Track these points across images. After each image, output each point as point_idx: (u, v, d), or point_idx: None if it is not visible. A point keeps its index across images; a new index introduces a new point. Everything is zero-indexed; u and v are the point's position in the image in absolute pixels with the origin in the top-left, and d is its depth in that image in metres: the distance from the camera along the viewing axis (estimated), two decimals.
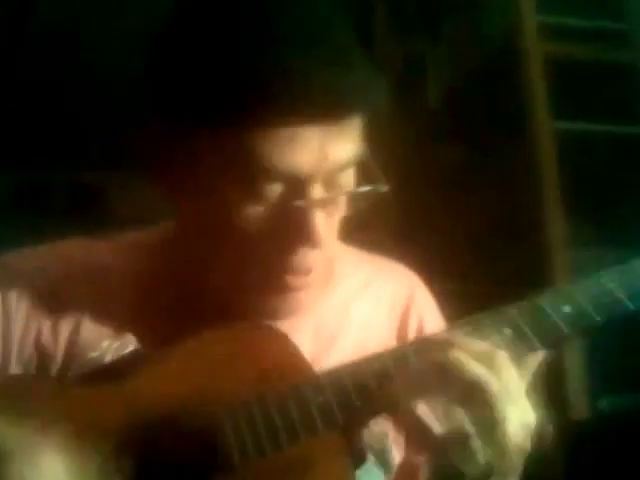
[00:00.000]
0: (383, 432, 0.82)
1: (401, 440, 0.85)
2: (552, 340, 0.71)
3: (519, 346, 0.71)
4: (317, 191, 0.74)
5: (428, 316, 0.90)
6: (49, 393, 0.72)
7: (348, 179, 0.77)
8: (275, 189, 0.74)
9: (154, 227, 0.89)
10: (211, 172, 0.74)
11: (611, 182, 1.55)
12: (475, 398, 0.66)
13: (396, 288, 0.91)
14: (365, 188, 0.78)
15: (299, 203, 0.74)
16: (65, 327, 0.79)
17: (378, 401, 0.70)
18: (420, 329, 0.88)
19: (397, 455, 0.84)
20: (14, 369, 0.77)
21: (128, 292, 0.82)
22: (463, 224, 1.76)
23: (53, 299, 0.79)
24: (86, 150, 2.33)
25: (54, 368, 0.77)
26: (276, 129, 0.71)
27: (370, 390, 0.70)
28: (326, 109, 0.71)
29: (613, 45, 1.65)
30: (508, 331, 0.71)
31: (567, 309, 0.72)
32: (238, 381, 0.72)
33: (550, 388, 0.73)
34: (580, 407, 1.44)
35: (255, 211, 0.75)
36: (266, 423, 0.67)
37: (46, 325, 0.79)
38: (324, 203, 0.76)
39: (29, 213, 2.05)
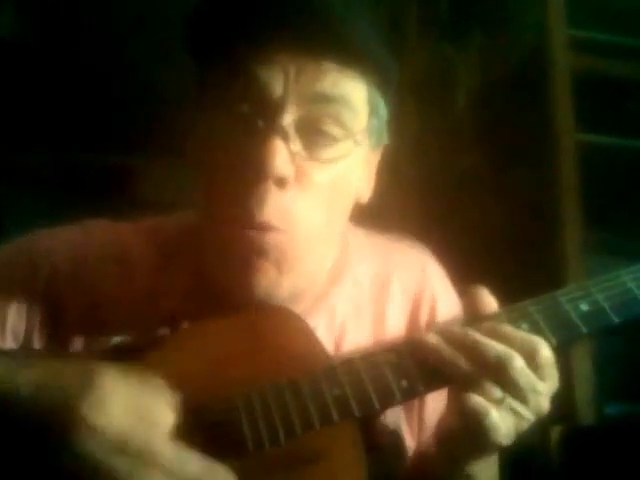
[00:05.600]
0: (396, 421, 0.84)
1: (412, 429, 0.87)
2: (568, 337, 0.72)
3: None
4: (288, 121, 0.71)
5: (441, 297, 0.91)
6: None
7: (333, 132, 0.74)
8: (244, 111, 0.72)
9: (177, 213, 0.91)
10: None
11: (630, 193, 1.56)
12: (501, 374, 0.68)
13: (408, 272, 0.92)
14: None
15: (260, 124, 0.70)
16: (85, 307, 0.81)
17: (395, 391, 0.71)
18: (432, 312, 0.90)
19: (409, 444, 0.86)
20: (35, 347, 0.80)
21: (149, 275, 0.84)
22: (481, 229, 1.77)
23: (76, 279, 0.82)
24: (114, 132, 2.34)
25: (75, 348, 0.79)
26: (253, 50, 0.71)
27: (387, 382, 0.70)
28: (299, 36, 0.70)
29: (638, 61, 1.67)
30: (525, 326, 0.72)
31: (585, 307, 0.72)
32: (254, 363, 0.72)
33: (557, 393, 0.73)
34: (587, 413, 1.43)
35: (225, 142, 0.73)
36: (281, 412, 0.68)
37: (67, 305, 0.81)
38: (294, 136, 0.71)
39: (61, 193, 2.07)
